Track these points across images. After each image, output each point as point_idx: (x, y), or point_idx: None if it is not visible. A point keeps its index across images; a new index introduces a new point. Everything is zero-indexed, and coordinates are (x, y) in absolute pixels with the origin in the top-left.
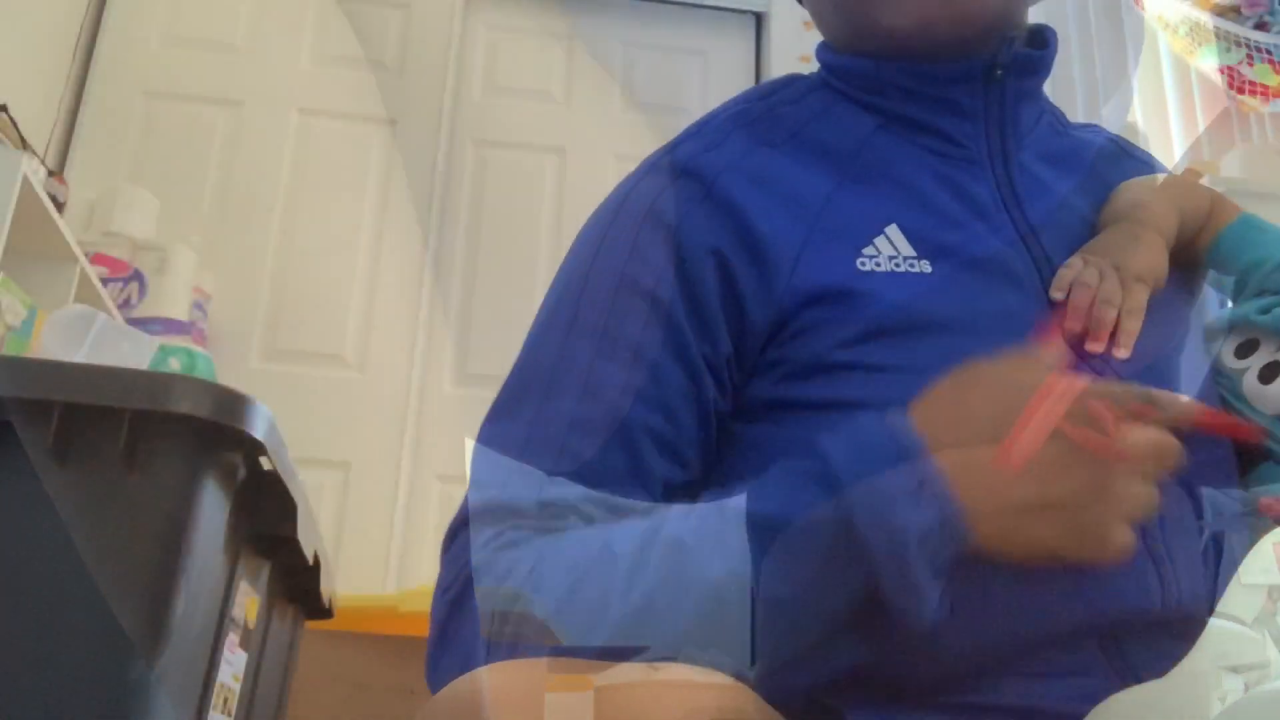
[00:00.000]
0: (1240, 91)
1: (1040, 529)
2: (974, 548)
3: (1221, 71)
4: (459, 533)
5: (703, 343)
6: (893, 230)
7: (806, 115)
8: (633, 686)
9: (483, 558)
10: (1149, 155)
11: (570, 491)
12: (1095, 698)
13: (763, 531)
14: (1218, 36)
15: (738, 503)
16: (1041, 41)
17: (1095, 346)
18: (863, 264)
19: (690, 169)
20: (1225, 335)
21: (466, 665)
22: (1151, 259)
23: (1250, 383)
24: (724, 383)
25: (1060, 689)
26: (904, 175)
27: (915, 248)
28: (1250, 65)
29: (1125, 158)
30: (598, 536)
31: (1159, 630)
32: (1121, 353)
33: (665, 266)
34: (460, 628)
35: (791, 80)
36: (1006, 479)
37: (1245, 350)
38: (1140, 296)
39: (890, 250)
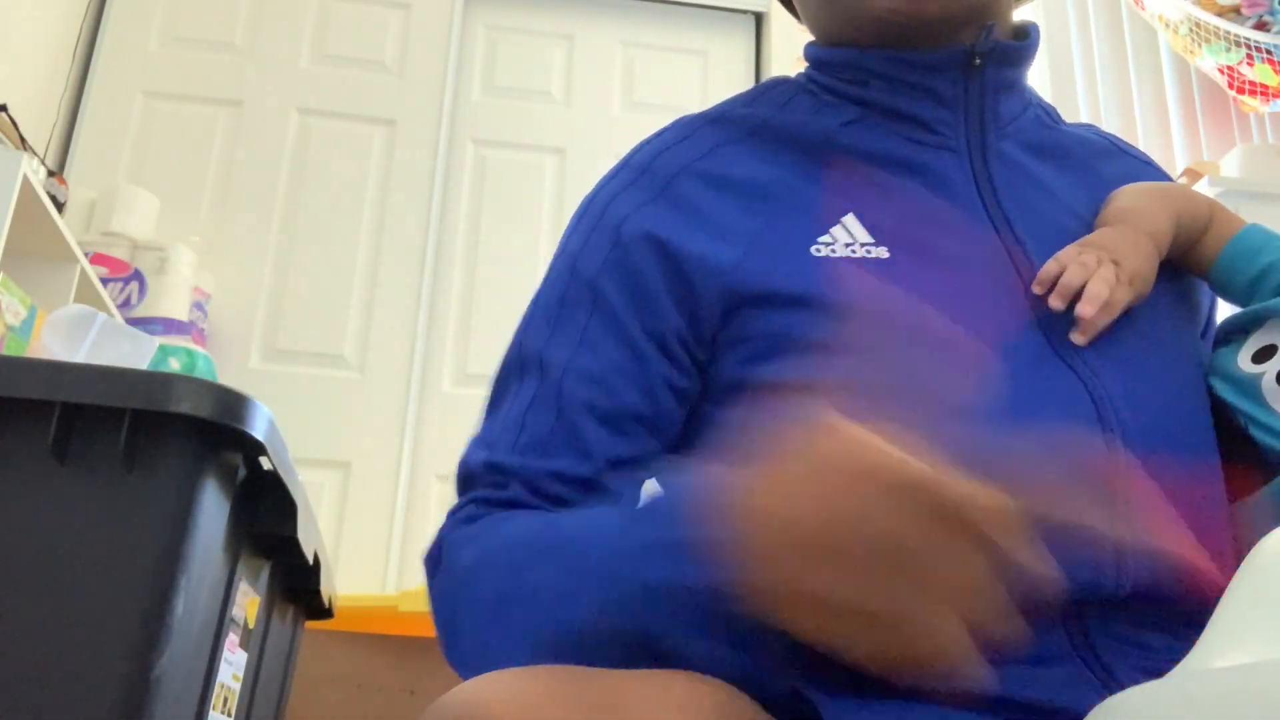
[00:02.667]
0: (1240, 91)
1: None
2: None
3: (1221, 71)
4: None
5: (647, 321)
6: (849, 219)
7: (786, 112)
8: (632, 691)
9: (445, 531)
10: (1146, 155)
11: (515, 459)
12: (1066, 686)
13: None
14: (1218, 36)
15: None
16: (1023, 34)
17: (1084, 309)
18: (817, 250)
19: (649, 167)
20: (1240, 339)
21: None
22: (1143, 266)
23: (1269, 384)
24: (677, 357)
25: (1029, 676)
26: (873, 164)
27: (873, 235)
28: (1250, 65)
29: (1121, 155)
30: (523, 530)
31: (1120, 613)
32: (1079, 339)
33: (607, 257)
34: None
35: (777, 83)
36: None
37: (1263, 356)
38: (1122, 298)
39: (846, 238)
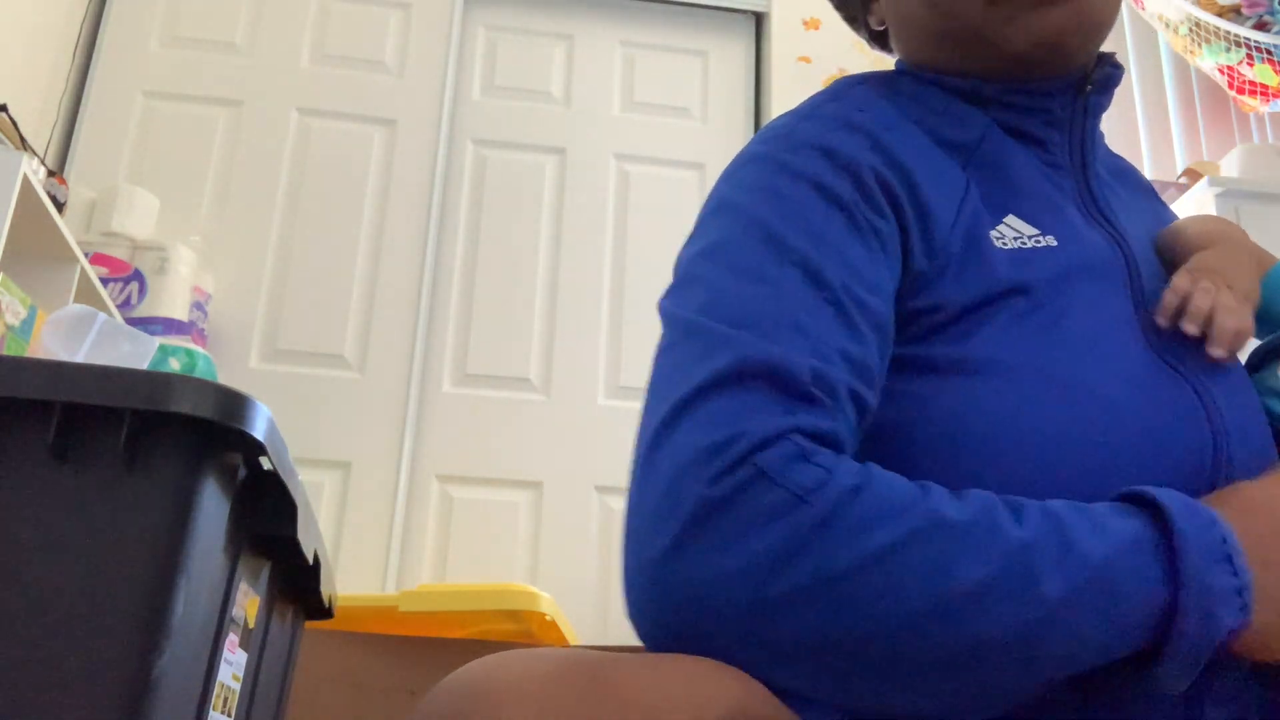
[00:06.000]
0: (1240, 91)
1: None
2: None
3: (1221, 71)
4: (707, 394)
5: (882, 240)
6: (1011, 219)
7: (926, 108)
8: (642, 677)
9: (773, 461)
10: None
11: (835, 370)
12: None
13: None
14: (1218, 36)
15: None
16: (1114, 62)
17: (1217, 351)
18: (996, 238)
19: (851, 123)
20: (1274, 362)
21: (746, 580)
22: (1254, 285)
23: None
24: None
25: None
26: (1014, 173)
27: (1037, 227)
28: (1250, 65)
29: (1154, 195)
30: (919, 494)
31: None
32: (1220, 352)
33: (850, 185)
34: (734, 529)
35: (896, 88)
36: None
37: None
38: (1249, 316)
39: (1014, 233)
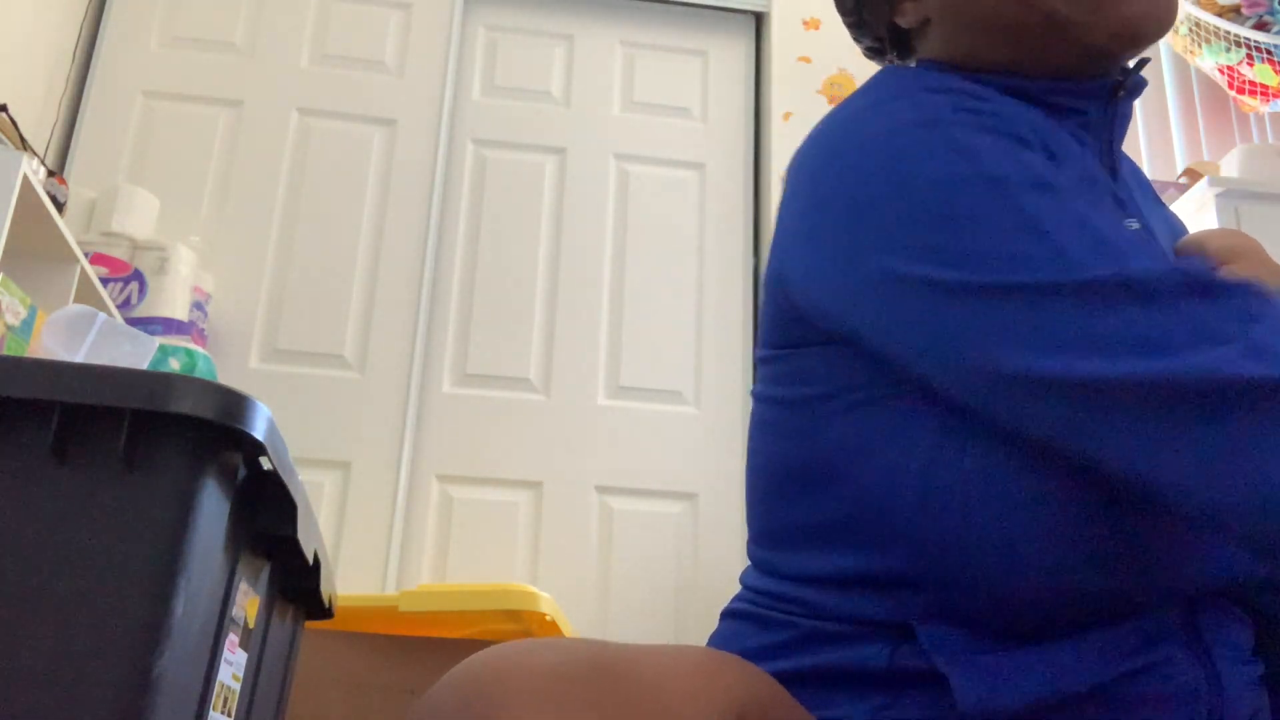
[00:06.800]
0: (1240, 91)
1: None
2: None
3: (1221, 71)
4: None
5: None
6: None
7: (991, 107)
8: (650, 666)
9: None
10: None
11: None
12: (1171, 679)
13: None
14: (1218, 36)
15: None
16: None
17: None
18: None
19: (967, 107)
20: None
21: None
22: None
23: None
24: None
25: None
26: (1076, 165)
27: (1121, 208)
28: (1250, 65)
29: (1159, 199)
30: None
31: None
32: None
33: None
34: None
35: (933, 70)
36: None
37: None
38: None
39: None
